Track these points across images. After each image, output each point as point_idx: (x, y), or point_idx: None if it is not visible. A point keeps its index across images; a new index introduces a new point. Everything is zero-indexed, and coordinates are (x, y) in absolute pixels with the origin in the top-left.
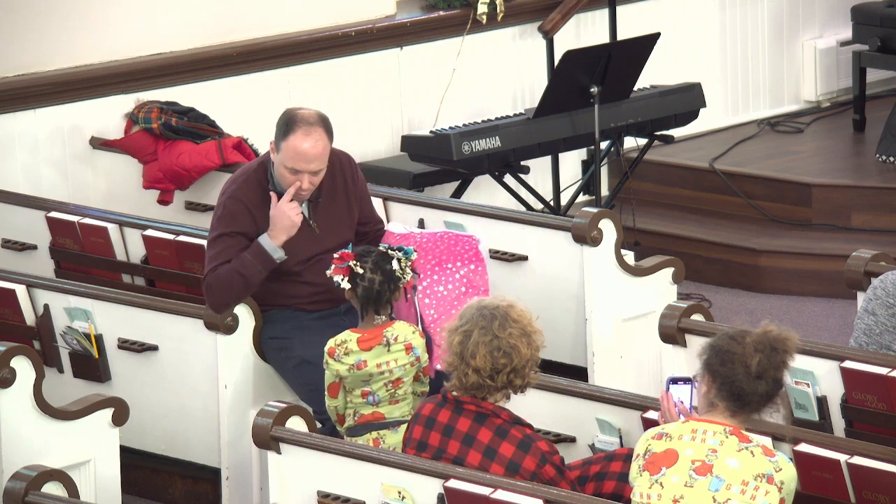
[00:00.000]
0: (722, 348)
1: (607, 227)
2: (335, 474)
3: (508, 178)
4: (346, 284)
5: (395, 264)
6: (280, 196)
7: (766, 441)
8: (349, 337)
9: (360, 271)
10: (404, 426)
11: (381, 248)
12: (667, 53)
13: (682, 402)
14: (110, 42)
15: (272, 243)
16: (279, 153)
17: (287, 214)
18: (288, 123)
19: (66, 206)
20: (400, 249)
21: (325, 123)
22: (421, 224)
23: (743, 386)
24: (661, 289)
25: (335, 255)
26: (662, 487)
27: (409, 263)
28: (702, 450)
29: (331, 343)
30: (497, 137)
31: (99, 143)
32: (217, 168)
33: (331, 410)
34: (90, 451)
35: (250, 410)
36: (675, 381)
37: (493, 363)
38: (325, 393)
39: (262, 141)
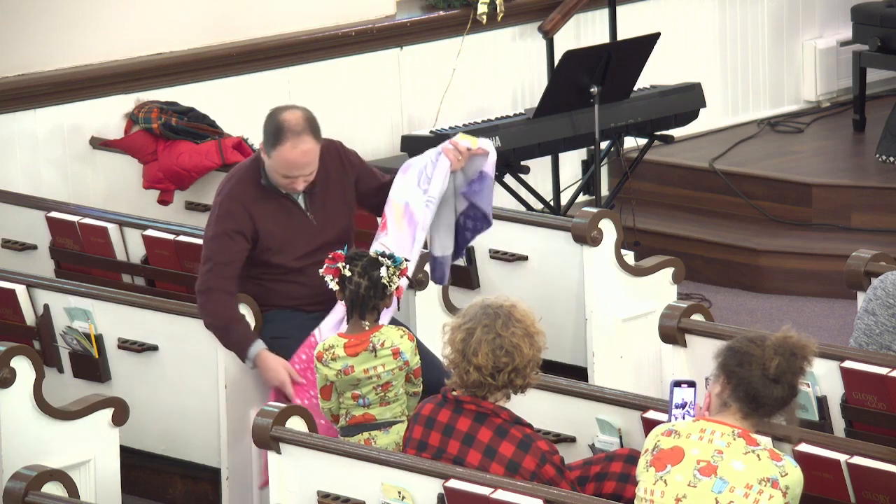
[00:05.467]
0: (741, 350)
1: (607, 227)
2: (335, 474)
3: (508, 178)
4: (334, 285)
5: (383, 272)
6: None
7: (770, 442)
8: (336, 342)
9: (348, 274)
10: (396, 427)
11: (373, 252)
12: (667, 53)
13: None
14: (110, 42)
15: (253, 358)
16: (270, 159)
17: (278, 378)
18: (276, 134)
19: (66, 206)
20: (391, 257)
21: (311, 126)
22: None
23: (758, 388)
24: (661, 289)
25: (329, 256)
26: (666, 485)
27: (399, 272)
28: (708, 450)
29: (319, 347)
30: (497, 137)
31: (99, 143)
32: (217, 168)
33: (325, 412)
34: (90, 451)
35: (250, 410)
36: (678, 384)
37: (495, 361)
38: (318, 395)
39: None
